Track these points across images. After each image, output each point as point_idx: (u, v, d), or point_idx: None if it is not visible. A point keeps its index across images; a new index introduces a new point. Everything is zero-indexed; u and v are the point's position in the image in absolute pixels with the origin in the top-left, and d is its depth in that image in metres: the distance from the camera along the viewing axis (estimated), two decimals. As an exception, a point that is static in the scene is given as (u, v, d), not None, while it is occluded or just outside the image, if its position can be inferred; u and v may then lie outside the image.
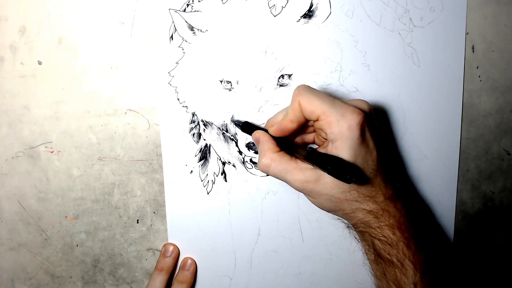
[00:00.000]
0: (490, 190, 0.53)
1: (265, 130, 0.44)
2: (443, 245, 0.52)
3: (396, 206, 0.41)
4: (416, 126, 0.50)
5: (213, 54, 0.47)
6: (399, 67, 0.48)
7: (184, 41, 0.47)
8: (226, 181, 0.50)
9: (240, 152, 0.49)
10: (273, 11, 0.46)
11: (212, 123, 0.49)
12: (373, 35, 0.47)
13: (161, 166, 0.50)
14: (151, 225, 0.51)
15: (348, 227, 0.46)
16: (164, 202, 0.50)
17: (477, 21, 0.48)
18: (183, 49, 0.47)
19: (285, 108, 0.44)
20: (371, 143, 0.40)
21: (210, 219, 0.51)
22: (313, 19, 0.47)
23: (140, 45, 0.47)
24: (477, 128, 0.51)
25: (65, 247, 0.52)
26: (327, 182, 0.40)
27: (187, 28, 0.46)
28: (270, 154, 0.42)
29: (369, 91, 0.48)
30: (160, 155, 0.49)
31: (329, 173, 0.37)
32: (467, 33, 0.48)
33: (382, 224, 0.40)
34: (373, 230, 0.41)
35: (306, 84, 0.42)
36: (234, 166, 0.50)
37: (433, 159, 0.50)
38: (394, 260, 0.40)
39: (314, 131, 0.45)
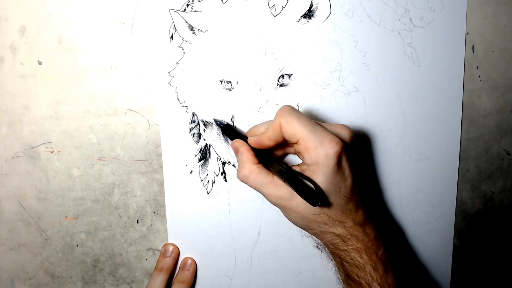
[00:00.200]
0: (490, 190, 0.53)
1: (245, 138, 0.45)
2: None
3: (365, 230, 0.42)
4: (416, 126, 0.50)
5: (213, 54, 0.47)
6: (399, 67, 0.48)
7: (184, 41, 0.47)
8: (226, 181, 0.50)
9: (240, 152, 0.49)
10: (273, 11, 0.46)
11: (212, 123, 0.49)
12: (373, 35, 0.47)
13: (161, 166, 0.50)
14: (151, 225, 0.51)
15: (317, 247, 0.47)
16: (164, 202, 0.50)
17: (477, 21, 0.48)
18: (183, 49, 0.47)
19: (269, 121, 0.44)
20: (346, 171, 0.41)
21: (210, 219, 0.51)
22: (313, 19, 0.47)
23: (140, 45, 0.47)
24: (477, 128, 0.51)
25: (65, 247, 0.52)
26: (299, 201, 0.41)
27: (187, 28, 0.46)
28: (249, 166, 0.43)
29: (369, 91, 0.48)
30: (160, 155, 0.49)
31: (297, 193, 0.38)
32: (467, 33, 0.48)
33: (350, 248, 0.41)
34: (341, 252, 0.42)
35: (290, 105, 0.42)
36: (234, 166, 0.50)
37: (433, 159, 0.50)
38: (363, 282, 0.41)
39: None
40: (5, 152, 0.49)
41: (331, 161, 0.39)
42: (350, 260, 0.41)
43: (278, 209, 0.43)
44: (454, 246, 0.53)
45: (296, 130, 0.40)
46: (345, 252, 0.41)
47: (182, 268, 0.51)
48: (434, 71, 0.48)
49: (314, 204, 0.37)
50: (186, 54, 0.47)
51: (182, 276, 0.50)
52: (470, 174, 0.52)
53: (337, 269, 0.44)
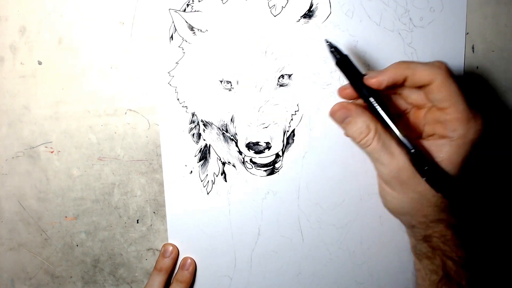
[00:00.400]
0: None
1: (360, 78, 0.38)
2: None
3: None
4: (416, 126, 0.50)
5: (213, 54, 0.47)
6: (399, 67, 0.48)
7: (184, 41, 0.47)
8: (226, 181, 0.50)
9: (240, 152, 0.49)
10: (273, 11, 0.46)
11: (212, 123, 0.49)
12: (373, 35, 0.47)
13: (161, 166, 0.50)
14: (151, 225, 0.51)
15: (415, 246, 0.40)
16: (164, 202, 0.50)
17: (477, 21, 0.48)
18: (183, 49, 0.47)
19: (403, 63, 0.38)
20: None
21: (210, 219, 0.51)
22: (313, 19, 0.47)
23: (140, 45, 0.47)
24: (477, 128, 0.51)
25: (65, 247, 0.52)
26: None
27: (187, 28, 0.46)
28: (375, 124, 0.36)
29: (369, 91, 0.48)
30: (160, 155, 0.49)
31: (423, 175, 0.34)
32: (467, 33, 0.48)
33: (454, 245, 0.37)
34: (447, 248, 0.37)
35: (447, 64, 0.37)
36: (234, 166, 0.50)
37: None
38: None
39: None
40: (5, 152, 0.49)
41: (475, 138, 0.36)
42: (457, 259, 0.37)
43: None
44: (454, 246, 0.53)
45: (454, 97, 0.35)
46: (454, 247, 0.37)
47: (181, 267, 0.51)
48: (434, 71, 0.48)
49: (446, 196, 0.33)
50: (186, 54, 0.47)
51: (181, 275, 0.50)
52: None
53: (426, 270, 0.39)
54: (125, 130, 0.49)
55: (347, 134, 0.39)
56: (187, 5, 0.46)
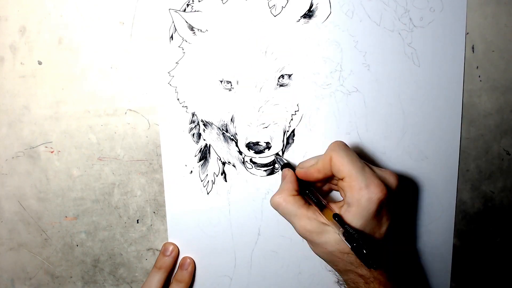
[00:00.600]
0: (490, 190, 0.53)
1: (294, 169, 0.46)
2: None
3: (389, 276, 0.41)
4: (416, 126, 0.50)
5: (213, 54, 0.47)
6: (399, 67, 0.48)
7: (184, 41, 0.47)
8: (226, 181, 0.50)
9: (240, 152, 0.49)
10: (273, 11, 0.46)
11: (212, 123, 0.49)
12: (373, 35, 0.47)
13: (161, 166, 0.50)
14: (151, 225, 0.51)
15: (337, 282, 0.48)
16: (164, 202, 0.50)
17: (477, 21, 0.48)
18: (183, 49, 0.47)
19: (318, 155, 0.45)
20: (384, 218, 0.41)
21: (210, 219, 0.51)
22: (313, 19, 0.47)
23: (140, 45, 0.47)
24: (477, 128, 0.51)
25: (65, 247, 0.52)
26: (329, 239, 0.41)
27: (187, 28, 0.46)
28: (285, 195, 0.43)
29: (369, 91, 0.48)
30: (160, 155, 0.49)
31: (352, 250, 0.37)
32: (467, 33, 0.48)
33: None
34: None
35: (343, 141, 0.43)
36: (234, 166, 0.50)
37: (433, 159, 0.50)
38: None
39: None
40: (5, 152, 0.49)
41: (372, 206, 0.39)
42: None
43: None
44: (454, 246, 0.53)
45: (345, 166, 0.41)
46: None
47: (180, 267, 0.51)
48: (434, 71, 0.48)
49: (369, 266, 0.37)
50: (186, 54, 0.47)
51: (181, 275, 0.50)
52: (470, 174, 0.52)
53: None
54: (125, 130, 0.49)
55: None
56: (187, 5, 0.46)
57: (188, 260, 0.51)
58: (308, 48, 0.47)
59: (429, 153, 0.50)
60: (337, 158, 0.41)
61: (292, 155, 0.49)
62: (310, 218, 0.42)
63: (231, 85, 0.48)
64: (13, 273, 0.52)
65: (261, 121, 0.48)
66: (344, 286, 0.45)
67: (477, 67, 0.49)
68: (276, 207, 0.44)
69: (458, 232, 0.53)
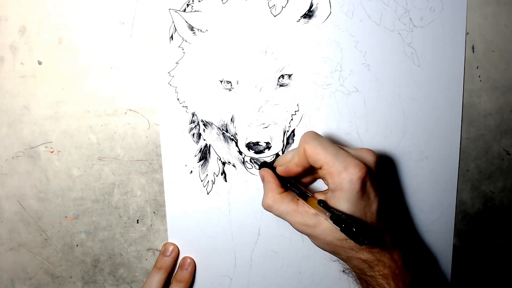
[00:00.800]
0: (490, 190, 0.53)
1: (273, 168, 0.46)
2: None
3: (393, 256, 0.41)
4: (416, 126, 0.50)
5: (213, 54, 0.47)
6: (399, 67, 0.48)
7: (184, 41, 0.47)
8: (226, 181, 0.50)
9: (240, 152, 0.49)
10: (273, 11, 0.46)
11: (212, 123, 0.49)
12: (373, 35, 0.47)
13: (161, 166, 0.50)
14: (151, 225, 0.51)
15: (343, 271, 0.47)
16: (164, 202, 0.50)
17: (477, 21, 0.48)
18: (183, 49, 0.47)
19: (293, 149, 0.45)
20: (372, 195, 0.41)
21: (210, 219, 0.51)
22: (313, 19, 0.47)
23: (140, 45, 0.47)
24: (477, 128, 0.51)
25: (65, 247, 0.52)
26: (325, 228, 0.41)
27: (187, 28, 0.46)
28: (272, 195, 0.43)
29: (369, 91, 0.48)
30: (160, 155, 0.49)
31: (342, 231, 0.37)
32: (467, 33, 0.48)
33: (376, 273, 0.41)
34: (368, 277, 0.41)
35: (313, 131, 0.43)
36: (234, 166, 0.50)
37: (433, 159, 0.50)
38: None
39: None
40: (5, 152, 0.49)
41: (355, 186, 0.39)
42: (377, 286, 0.41)
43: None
44: (454, 246, 0.53)
45: (319, 155, 0.40)
46: (372, 277, 0.41)
47: (180, 267, 0.51)
48: (434, 71, 0.48)
49: (360, 242, 0.36)
50: (186, 54, 0.47)
51: (181, 275, 0.50)
52: (470, 174, 0.52)
53: None
54: (125, 130, 0.49)
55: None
56: (187, 5, 0.46)
57: (188, 260, 0.51)
58: (308, 48, 0.47)
59: (429, 153, 0.50)
60: (311, 149, 0.41)
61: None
62: (301, 212, 0.42)
63: (231, 85, 0.48)
64: (13, 273, 0.52)
65: (261, 121, 0.48)
66: (352, 274, 0.45)
67: (477, 67, 0.49)
68: (269, 209, 0.44)
69: (458, 232, 0.53)
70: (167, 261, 0.50)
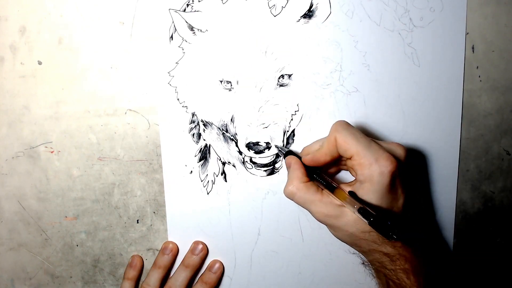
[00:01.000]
0: (490, 190, 0.53)
1: (299, 157, 0.45)
2: None
3: (415, 251, 0.41)
4: (416, 126, 0.50)
5: (213, 54, 0.47)
6: (399, 67, 0.48)
7: (184, 41, 0.47)
8: (226, 181, 0.50)
9: (240, 152, 0.49)
10: (273, 11, 0.46)
11: (212, 123, 0.49)
12: (373, 35, 0.47)
13: (161, 166, 0.50)
14: (151, 225, 0.51)
15: (363, 263, 0.46)
16: (164, 202, 0.50)
17: (477, 21, 0.48)
18: (183, 49, 0.47)
19: (321, 139, 0.45)
20: (399, 190, 0.40)
21: (210, 219, 0.51)
22: (313, 19, 0.47)
23: (140, 45, 0.47)
24: (477, 128, 0.51)
25: (65, 247, 0.52)
26: (348, 220, 0.40)
27: (187, 28, 0.46)
28: (297, 183, 0.43)
29: (369, 91, 0.48)
30: (160, 155, 0.49)
31: (370, 225, 0.37)
32: (467, 33, 0.48)
33: (397, 267, 0.40)
34: (388, 271, 0.41)
35: (345, 120, 0.43)
36: (234, 166, 0.50)
37: (433, 159, 0.50)
38: None
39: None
40: (5, 152, 0.49)
41: (385, 179, 0.39)
42: (396, 280, 0.40)
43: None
44: (454, 246, 0.53)
45: (351, 145, 0.40)
46: (392, 271, 0.41)
47: (209, 269, 0.51)
48: (434, 71, 0.48)
49: (389, 238, 0.36)
50: (186, 54, 0.47)
51: (208, 277, 0.51)
52: (470, 174, 0.52)
53: (380, 287, 0.44)
54: (125, 130, 0.49)
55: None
56: (187, 5, 0.46)
57: (218, 264, 0.51)
58: (308, 48, 0.47)
59: (429, 153, 0.50)
60: (342, 138, 0.40)
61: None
62: (326, 202, 0.41)
63: (231, 85, 0.48)
64: (13, 273, 0.52)
65: (261, 121, 0.48)
66: (370, 267, 0.44)
67: (477, 67, 0.49)
68: (291, 197, 0.43)
69: (458, 232, 0.53)
70: (166, 259, 0.50)
